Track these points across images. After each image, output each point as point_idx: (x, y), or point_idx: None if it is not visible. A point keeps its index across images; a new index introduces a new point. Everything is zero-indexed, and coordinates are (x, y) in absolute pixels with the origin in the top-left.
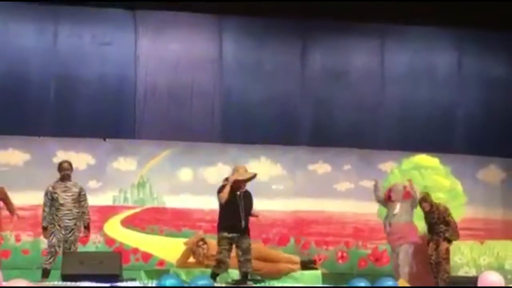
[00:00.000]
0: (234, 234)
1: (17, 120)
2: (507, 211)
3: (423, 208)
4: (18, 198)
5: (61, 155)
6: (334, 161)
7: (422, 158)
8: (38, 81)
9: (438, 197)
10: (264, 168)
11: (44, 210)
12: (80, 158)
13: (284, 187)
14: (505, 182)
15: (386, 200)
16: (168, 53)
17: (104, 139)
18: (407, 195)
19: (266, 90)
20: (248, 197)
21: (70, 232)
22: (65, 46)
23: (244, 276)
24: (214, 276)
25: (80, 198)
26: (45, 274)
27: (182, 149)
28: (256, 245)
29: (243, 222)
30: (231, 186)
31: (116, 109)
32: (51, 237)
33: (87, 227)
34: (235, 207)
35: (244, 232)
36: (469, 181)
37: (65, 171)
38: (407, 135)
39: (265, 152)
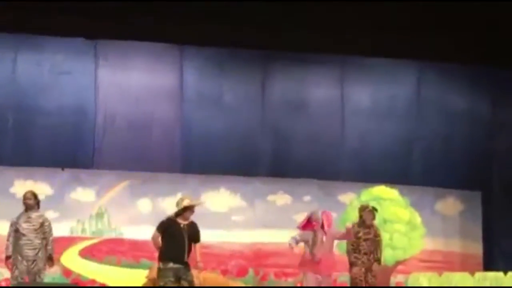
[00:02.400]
0: (180, 266)
1: None
2: (465, 243)
3: (364, 220)
4: None
5: (19, 185)
6: (294, 192)
7: (381, 190)
8: None
9: (397, 229)
10: (223, 199)
11: (8, 240)
12: (38, 188)
13: (244, 218)
14: (463, 214)
15: (306, 228)
16: (129, 83)
17: (63, 169)
18: (326, 224)
19: (226, 121)
20: (194, 228)
21: (32, 263)
22: (24, 75)
23: None
24: None
25: (43, 229)
26: None
27: (141, 180)
28: (215, 276)
29: (185, 255)
30: (178, 217)
31: (75, 139)
32: (13, 269)
33: (50, 258)
34: (181, 239)
35: (187, 264)
36: (427, 212)
37: (25, 200)
38: (366, 167)
39: (225, 183)
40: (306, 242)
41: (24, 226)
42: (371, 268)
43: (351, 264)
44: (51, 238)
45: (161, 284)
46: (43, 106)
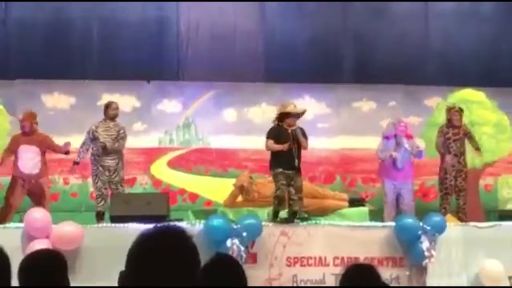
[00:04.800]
0: (290, 171)
1: (62, 64)
2: None
3: (451, 120)
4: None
5: (106, 98)
6: (379, 98)
7: (468, 93)
8: (81, 25)
9: (485, 131)
10: (308, 107)
11: (81, 146)
12: (125, 101)
13: (329, 125)
14: None
15: (390, 137)
16: None
17: (148, 81)
18: (407, 133)
19: (309, 29)
20: (304, 132)
21: (113, 173)
22: None
23: (294, 215)
24: (275, 214)
25: (118, 137)
26: (100, 216)
27: (226, 90)
28: (303, 183)
29: (296, 160)
30: (284, 122)
31: (159, 51)
32: (96, 180)
33: (104, 148)
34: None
35: (298, 170)
36: None
37: (114, 110)
38: (452, 70)
39: (309, 91)
40: (390, 150)
41: (103, 135)
42: (461, 170)
43: (442, 160)
44: (123, 147)
45: (276, 188)
46: (126, 18)
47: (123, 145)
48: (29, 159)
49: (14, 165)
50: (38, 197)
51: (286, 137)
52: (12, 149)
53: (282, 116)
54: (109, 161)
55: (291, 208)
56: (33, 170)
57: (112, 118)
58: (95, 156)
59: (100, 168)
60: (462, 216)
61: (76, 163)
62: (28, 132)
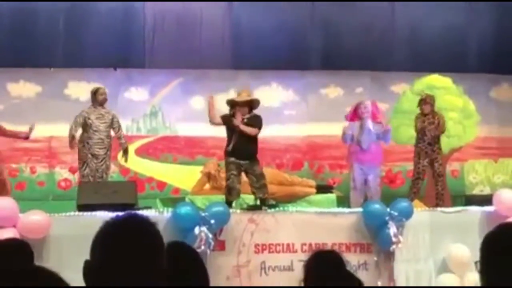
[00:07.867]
0: (242, 161)
1: (28, 52)
2: None
3: (422, 110)
4: None
5: (72, 86)
6: (346, 84)
7: (434, 78)
8: (46, 13)
9: (451, 116)
10: (275, 94)
11: (72, 128)
12: (91, 88)
13: (296, 112)
14: None
15: (354, 119)
16: None
17: (115, 69)
18: (375, 115)
19: (276, 16)
20: (253, 120)
21: (101, 161)
22: None
23: (263, 201)
24: (228, 203)
25: (113, 125)
26: None
27: (193, 77)
28: (271, 170)
29: (247, 150)
30: (237, 111)
31: (126, 39)
32: (84, 167)
33: (125, 151)
34: (238, 133)
35: (253, 158)
36: (482, 99)
37: (103, 95)
38: (419, 56)
39: (276, 78)
40: (354, 132)
41: (96, 123)
42: (436, 157)
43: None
44: (122, 133)
45: (226, 178)
46: (92, 7)
47: (121, 133)
48: None
49: None
50: None
51: (232, 126)
52: None
53: (232, 105)
54: (99, 150)
55: (256, 196)
56: None
57: (102, 104)
58: (85, 144)
59: (89, 156)
60: (439, 202)
61: (73, 136)
62: None
